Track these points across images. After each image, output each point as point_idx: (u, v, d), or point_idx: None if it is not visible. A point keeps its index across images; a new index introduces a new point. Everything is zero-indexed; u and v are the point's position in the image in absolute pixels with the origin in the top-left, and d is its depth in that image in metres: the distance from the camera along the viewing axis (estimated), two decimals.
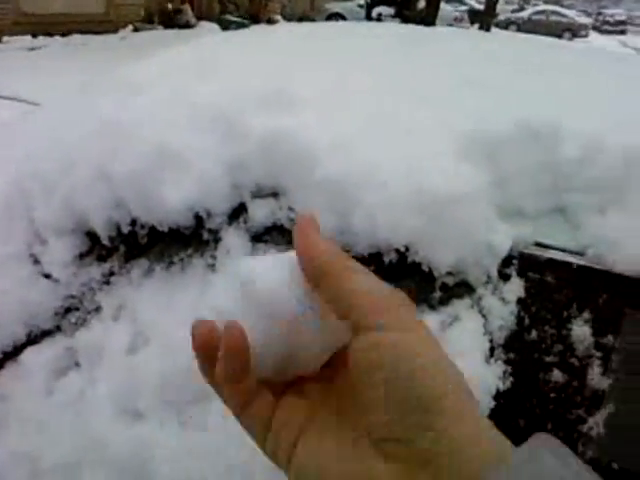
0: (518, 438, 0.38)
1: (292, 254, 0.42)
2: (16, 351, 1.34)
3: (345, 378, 0.41)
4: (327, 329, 0.41)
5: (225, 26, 16.59)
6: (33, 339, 1.35)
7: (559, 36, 22.24)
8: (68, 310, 1.36)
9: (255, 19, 19.03)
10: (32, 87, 7.61)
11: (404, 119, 1.33)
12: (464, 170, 1.20)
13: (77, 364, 1.30)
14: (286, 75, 1.55)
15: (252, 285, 0.40)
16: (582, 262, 1.14)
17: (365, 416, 0.38)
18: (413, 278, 1.16)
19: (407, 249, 1.15)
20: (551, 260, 1.16)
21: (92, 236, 1.38)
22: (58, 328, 1.35)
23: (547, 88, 1.57)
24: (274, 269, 0.41)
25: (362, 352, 0.38)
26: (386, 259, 1.17)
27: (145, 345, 1.25)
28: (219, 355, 0.41)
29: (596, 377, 1.09)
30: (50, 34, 14.02)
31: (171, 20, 17.73)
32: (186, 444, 1.15)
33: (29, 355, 1.33)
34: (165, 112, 1.39)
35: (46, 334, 1.35)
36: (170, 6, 17.91)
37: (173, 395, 1.19)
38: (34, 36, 13.72)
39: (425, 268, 1.15)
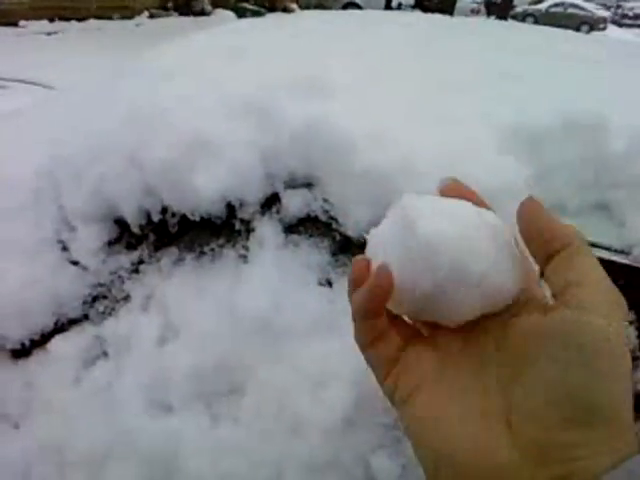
0: None
1: (468, 205, 0.41)
2: (44, 339, 1.32)
3: (491, 343, 0.39)
4: (491, 286, 0.38)
5: (241, 14, 16.53)
6: (61, 327, 1.33)
7: (577, 29, 21.90)
8: (96, 298, 1.34)
9: (271, 7, 18.93)
10: (49, 71, 7.63)
11: (442, 109, 1.29)
12: (505, 162, 1.16)
13: (105, 354, 1.28)
14: (318, 63, 1.52)
15: (420, 222, 0.38)
16: (626, 261, 1.10)
17: (514, 392, 0.35)
18: None
19: None
20: None
21: (121, 224, 1.36)
22: (86, 317, 1.33)
23: (588, 80, 1.53)
24: (443, 214, 0.39)
25: (553, 327, 0.35)
26: None
27: (175, 336, 1.22)
28: (362, 287, 0.40)
29: None
30: (66, 19, 14.04)
31: (186, 7, 17.68)
32: (216, 438, 1.13)
33: (57, 343, 1.31)
34: (197, 99, 1.36)
35: (74, 322, 1.33)
36: None
37: (203, 388, 1.17)
38: (51, 20, 13.74)
39: None
